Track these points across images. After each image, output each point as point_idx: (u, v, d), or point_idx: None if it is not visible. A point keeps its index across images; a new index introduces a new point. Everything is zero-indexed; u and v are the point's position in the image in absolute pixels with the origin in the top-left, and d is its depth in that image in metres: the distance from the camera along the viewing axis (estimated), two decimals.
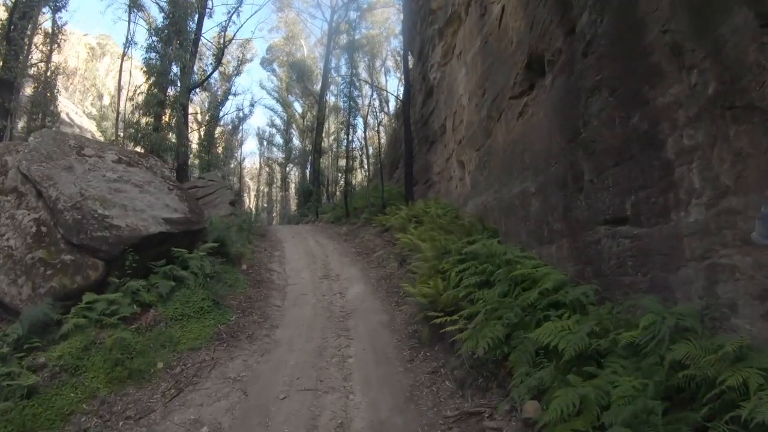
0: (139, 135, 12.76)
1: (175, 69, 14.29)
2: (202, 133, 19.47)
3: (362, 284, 9.17)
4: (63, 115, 35.44)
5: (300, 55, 38.45)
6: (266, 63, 41.80)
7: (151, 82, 13.38)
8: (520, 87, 7.32)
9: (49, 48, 18.27)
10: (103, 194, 7.16)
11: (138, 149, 12.91)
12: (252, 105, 39.45)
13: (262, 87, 42.77)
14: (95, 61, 46.57)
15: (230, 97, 41.24)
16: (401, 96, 19.59)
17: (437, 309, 5.74)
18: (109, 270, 6.57)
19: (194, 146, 20.62)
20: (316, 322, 7.25)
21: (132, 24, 14.31)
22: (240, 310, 7.58)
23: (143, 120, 13.41)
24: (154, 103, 13.25)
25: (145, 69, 13.28)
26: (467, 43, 11.00)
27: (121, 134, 13.80)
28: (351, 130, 18.65)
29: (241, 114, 39.58)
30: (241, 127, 42.67)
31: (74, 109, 35.87)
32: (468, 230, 8.00)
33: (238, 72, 43.93)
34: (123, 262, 6.63)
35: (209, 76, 18.10)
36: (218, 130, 42.49)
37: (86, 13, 71.07)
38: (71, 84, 38.47)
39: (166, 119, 13.62)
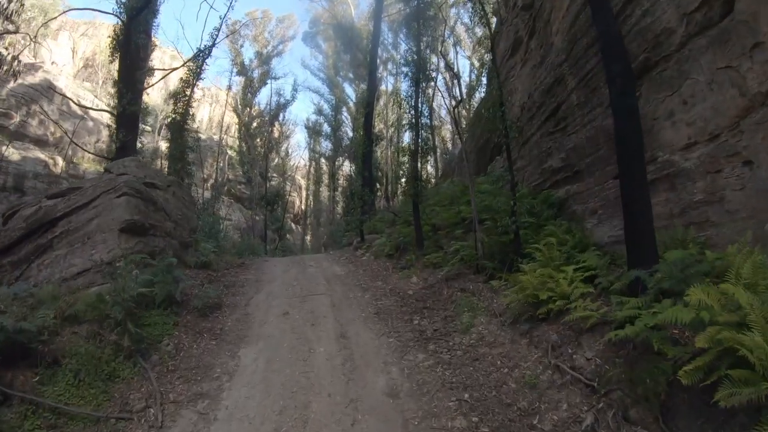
0: None
1: None
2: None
3: None
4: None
5: (348, 21, 29.64)
6: (309, 38, 33.81)
7: None
8: None
9: None
10: None
11: None
12: (295, 89, 31.23)
13: (305, 66, 35.06)
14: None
15: (269, 81, 34.13)
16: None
17: None
18: None
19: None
20: None
21: None
22: None
23: None
24: None
25: None
26: None
27: None
28: (422, 79, 9.56)
29: (281, 100, 32.12)
30: (283, 116, 35.14)
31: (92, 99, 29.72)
32: None
33: (277, 52, 36.62)
34: None
35: None
36: (255, 122, 35.24)
37: None
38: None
39: None
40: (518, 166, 11.16)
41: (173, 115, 11.22)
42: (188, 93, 11.30)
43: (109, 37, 10.47)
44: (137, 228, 5.73)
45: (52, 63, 25.16)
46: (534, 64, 11.01)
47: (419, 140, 9.44)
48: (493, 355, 4.36)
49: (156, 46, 14.82)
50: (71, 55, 28.70)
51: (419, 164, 9.46)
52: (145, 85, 11.20)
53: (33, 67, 22.01)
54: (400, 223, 11.93)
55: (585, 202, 7.32)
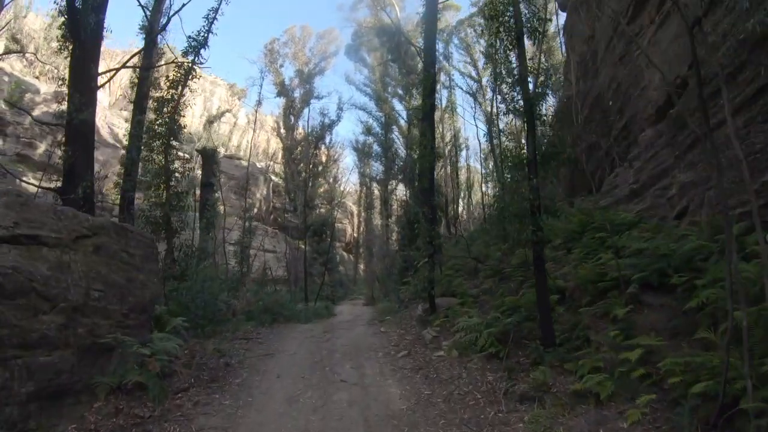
0: None
1: None
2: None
3: None
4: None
5: (394, 24, 25.88)
6: (352, 51, 30.74)
7: None
8: None
9: None
10: None
11: None
12: (340, 108, 27.94)
13: (350, 82, 31.69)
14: None
15: (312, 100, 31.47)
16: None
17: None
18: None
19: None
20: None
21: None
22: None
23: None
24: None
25: None
26: None
27: None
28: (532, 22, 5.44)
29: (326, 120, 29.08)
30: (330, 138, 32.03)
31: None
32: None
33: (319, 69, 33.67)
34: None
35: None
36: (299, 147, 32.38)
37: None
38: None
39: None
40: (670, 183, 6.62)
41: (155, 127, 7.86)
42: (176, 97, 7.94)
43: (59, 27, 7.42)
44: None
45: None
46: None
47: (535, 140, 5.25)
48: None
49: (163, 53, 11.97)
50: (108, 85, 27.46)
51: (537, 182, 5.26)
52: (97, 83, 7.98)
53: (60, 95, 20.42)
54: (487, 274, 7.70)
55: None
